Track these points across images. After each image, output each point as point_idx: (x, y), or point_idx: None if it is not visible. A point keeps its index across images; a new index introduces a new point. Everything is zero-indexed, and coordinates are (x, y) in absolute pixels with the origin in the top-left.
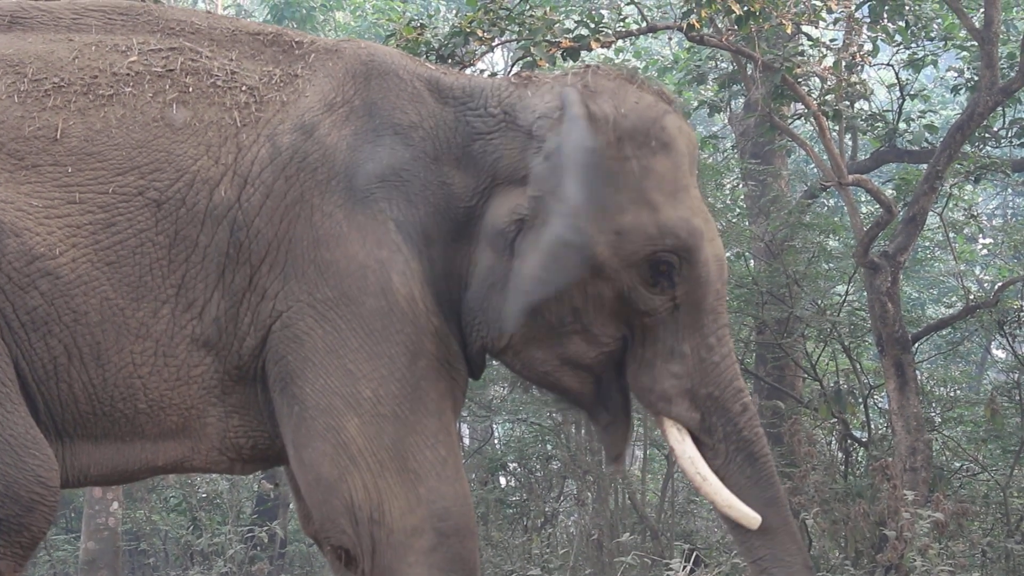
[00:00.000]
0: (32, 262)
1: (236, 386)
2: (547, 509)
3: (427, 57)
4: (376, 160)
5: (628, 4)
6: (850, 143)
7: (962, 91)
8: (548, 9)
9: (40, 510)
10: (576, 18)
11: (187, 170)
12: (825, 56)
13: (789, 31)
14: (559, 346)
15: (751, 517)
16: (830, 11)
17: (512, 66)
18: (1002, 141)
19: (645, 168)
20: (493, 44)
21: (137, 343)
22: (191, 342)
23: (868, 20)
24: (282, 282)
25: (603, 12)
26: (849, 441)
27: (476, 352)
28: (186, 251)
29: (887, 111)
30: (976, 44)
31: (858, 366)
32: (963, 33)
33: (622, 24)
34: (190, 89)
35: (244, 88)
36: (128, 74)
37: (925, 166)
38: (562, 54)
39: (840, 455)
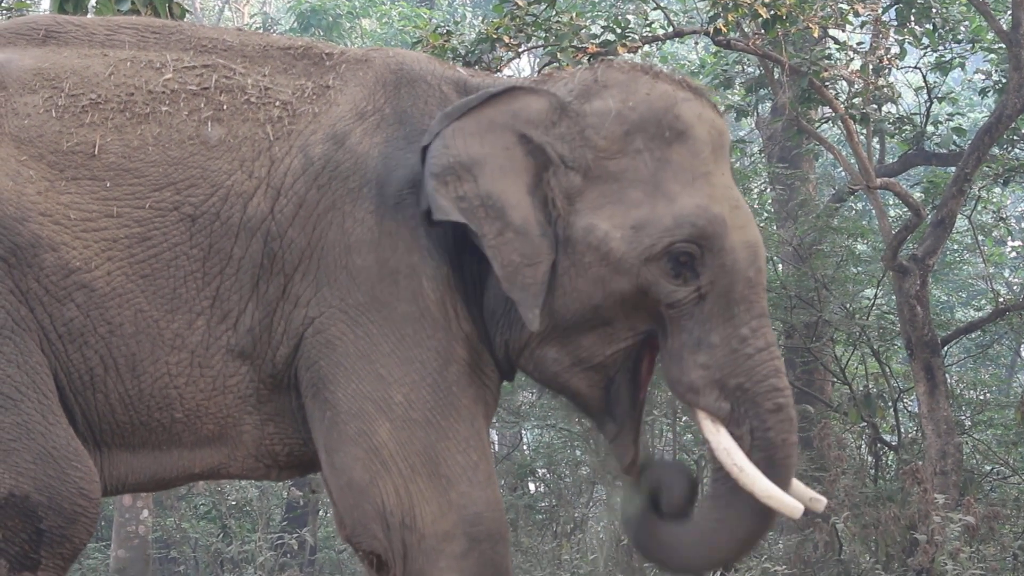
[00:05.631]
0: (68, 275)
1: (271, 394)
2: (577, 515)
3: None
4: (407, 167)
5: (655, 9)
6: (878, 146)
7: (990, 93)
8: (574, 15)
9: (82, 522)
10: (602, 23)
11: (221, 185)
12: (852, 60)
13: (816, 35)
14: (573, 344)
15: (793, 506)
16: (857, 14)
17: (539, 72)
18: None
19: (660, 159)
20: (520, 50)
21: (172, 354)
22: (226, 352)
23: (895, 23)
24: (314, 289)
25: (629, 17)
26: (879, 445)
27: (502, 354)
28: (220, 263)
29: (915, 114)
30: (1004, 46)
31: (887, 370)
32: (991, 35)
33: (648, 29)
34: (224, 107)
35: (278, 103)
36: (164, 92)
37: (953, 169)
38: (588, 60)
39: (870, 459)
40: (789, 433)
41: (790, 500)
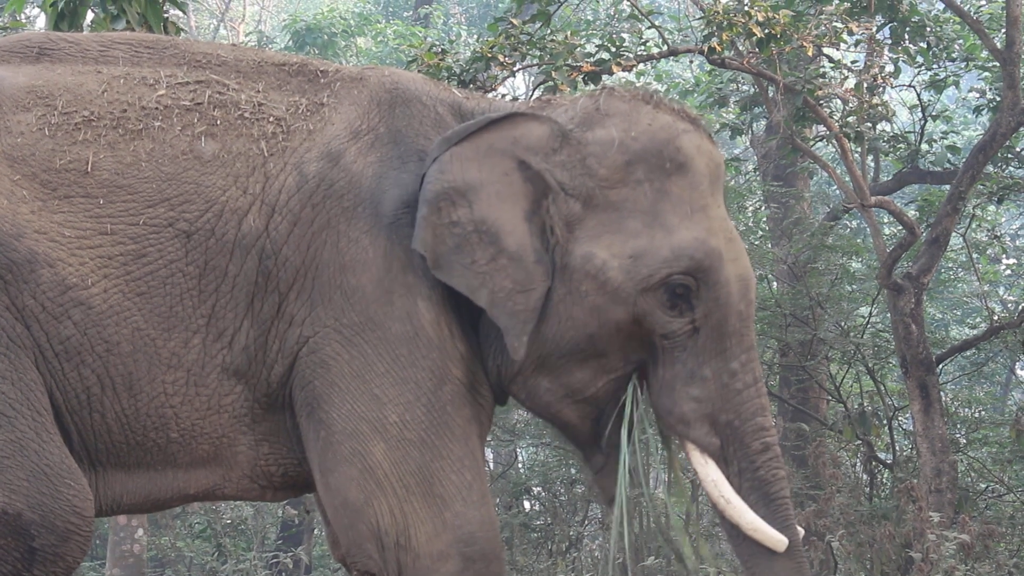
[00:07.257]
0: (65, 292)
1: (266, 414)
2: (572, 533)
3: (448, 83)
4: (402, 186)
5: (649, 28)
6: (872, 165)
7: (984, 112)
8: (569, 33)
9: (75, 540)
10: (597, 42)
11: (216, 201)
12: (847, 78)
13: (810, 53)
14: (567, 374)
15: (777, 539)
16: (851, 33)
17: (533, 91)
18: None
19: (659, 191)
20: (514, 69)
21: (169, 373)
22: (222, 371)
23: (889, 42)
24: (309, 308)
25: (624, 36)
26: (874, 463)
27: (495, 380)
28: (216, 281)
29: (909, 132)
30: (998, 65)
31: (882, 388)
32: (985, 54)
33: (643, 48)
34: (218, 122)
35: (271, 119)
36: (157, 108)
37: (948, 187)
38: (583, 78)
39: (865, 477)
40: (778, 469)
41: (774, 533)
